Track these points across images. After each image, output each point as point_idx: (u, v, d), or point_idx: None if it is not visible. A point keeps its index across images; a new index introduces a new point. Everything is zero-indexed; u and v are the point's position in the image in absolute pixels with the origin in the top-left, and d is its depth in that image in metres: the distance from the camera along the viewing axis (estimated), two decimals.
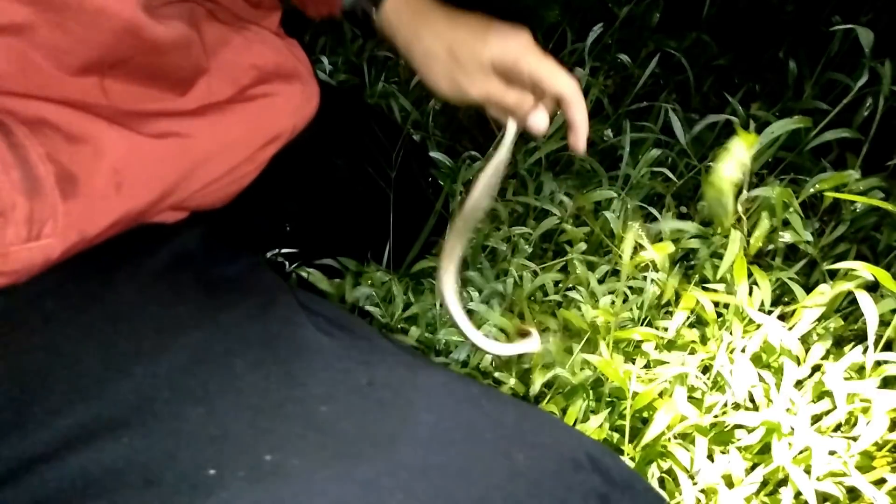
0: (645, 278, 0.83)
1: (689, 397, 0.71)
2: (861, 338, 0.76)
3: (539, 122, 0.53)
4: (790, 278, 0.85)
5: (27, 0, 0.29)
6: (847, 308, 0.83)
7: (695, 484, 0.64)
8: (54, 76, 0.32)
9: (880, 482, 0.68)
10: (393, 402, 0.31)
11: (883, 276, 0.69)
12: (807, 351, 0.73)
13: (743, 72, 1.11)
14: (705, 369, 0.75)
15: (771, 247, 0.91)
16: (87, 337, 0.30)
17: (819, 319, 0.75)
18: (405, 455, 0.28)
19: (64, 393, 0.28)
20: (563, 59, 1.14)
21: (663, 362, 0.73)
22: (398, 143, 0.87)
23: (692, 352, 0.73)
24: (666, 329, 0.75)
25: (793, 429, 0.64)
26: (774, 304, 0.84)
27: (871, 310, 0.66)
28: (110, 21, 0.32)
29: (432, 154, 1.07)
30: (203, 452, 0.28)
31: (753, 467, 0.68)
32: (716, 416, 0.68)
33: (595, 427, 0.68)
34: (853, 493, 0.69)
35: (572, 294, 0.88)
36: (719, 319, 0.77)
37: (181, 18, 0.37)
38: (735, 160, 0.60)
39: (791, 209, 0.83)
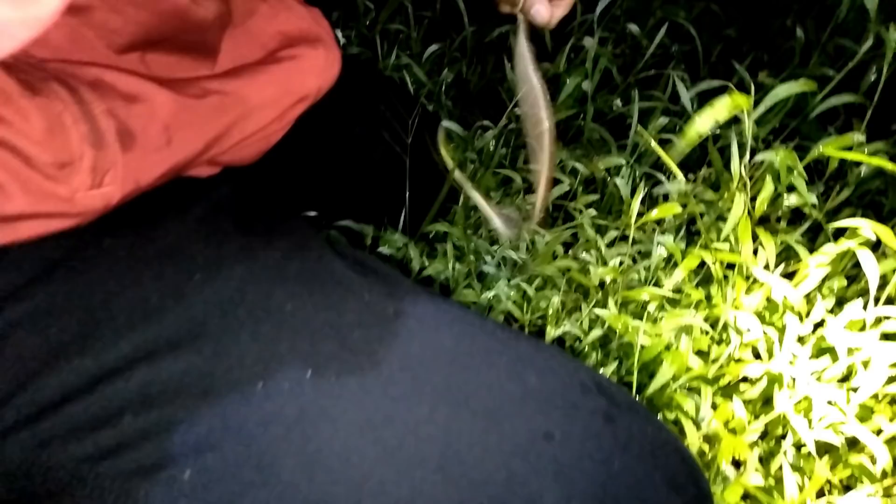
0: (652, 241, 0.85)
1: (697, 352, 0.74)
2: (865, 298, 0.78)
3: (538, 13, 0.56)
4: (795, 241, 0.87)
5: None
6: (852, 271, 0.85)
7: (699, 430, 0.67)
8: (101, 52, 0.35)
9: (878, 433, 0.71)
10: (417, 329, 0.34)
11: (886, 233, 0.71)
12: (810, 309, 0.76)
13: (751, 41, 1.13)
14: (712, 326, 0.78)
15: (778, 212, 0.93)
16: (142, 271, 0.33)
17: (824, 280, 0.78)
18: (429, 375, 0.32)
19: (125, 318, 0.32)
20: (574, 29, 1.15)
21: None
22: (413, 112, 0.90)
23: (698, 308, 0.76)
24: (674, 290, 0.78)
25: (794, 379, 0.67)
26: (780, 266, 0.87)
27: (871, 265, 0.69)
28: (161, 5, 0.35)
29: (445, 124, 1.09)
30: (251, 370, 0.31)
31: (758, 420, 0.71)
32: (721, 368, 0.71)
33: None
34: (853, 444, 0.72)
35: (584, 257, 0.91)
36: (725, 280, 0.79)
37: None
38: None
39: (795, 172, 0.85)
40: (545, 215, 0.43)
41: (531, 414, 0.31)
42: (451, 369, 0.32)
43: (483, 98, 1.18)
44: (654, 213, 0.74)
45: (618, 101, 1.14)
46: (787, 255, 0.92)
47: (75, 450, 0.30)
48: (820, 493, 0.74)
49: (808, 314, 0.73)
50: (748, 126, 0.77)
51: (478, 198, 0.47)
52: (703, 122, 0.70)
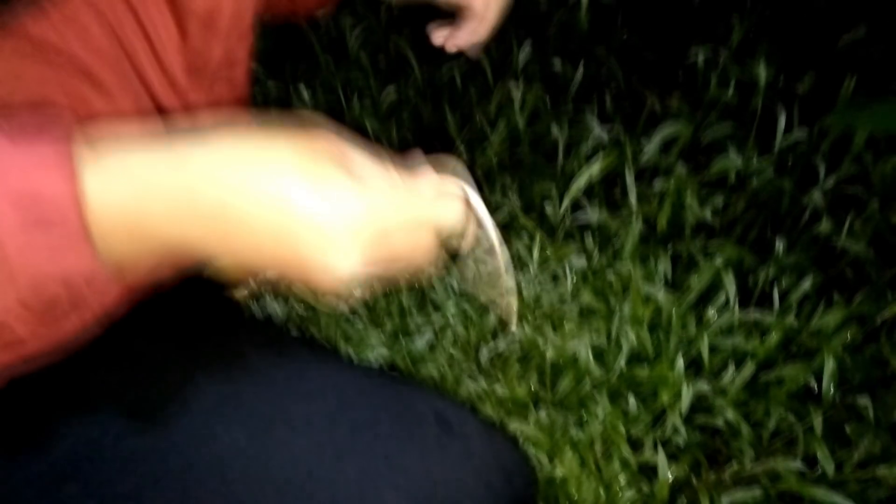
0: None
1: (600, 360, 0.89)
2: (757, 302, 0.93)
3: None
4: (696, 251, 1.02)
5: None
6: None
7: (600, 423, 0.83)
8: None
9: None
10: (301, 390, 0.49)
11: (743, 254, 0.86)
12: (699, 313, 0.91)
13: (664, 65, 1.26)
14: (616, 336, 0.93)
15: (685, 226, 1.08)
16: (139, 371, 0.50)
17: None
18: (306, 426, 0.47)
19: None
20: (509, 68, 1.30)
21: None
22: None
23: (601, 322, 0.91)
24: (584, 308, 0.94)
25: (671, 377, 0.82)
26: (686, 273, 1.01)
27: (729, 280, 0.84)
28: None
29: None
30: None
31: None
32: (619, 373, 0.86)
33: (524, 390, 0.87)
34: (733, 428, 0.87)
35: (519, 279, 1.07)
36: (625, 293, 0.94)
37: None
38: None
39: (689, 192, 1.00)
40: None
41: (380, 445, 0.46)
42: (324, 420, 0.47)
43: (434, 133, 1.33)
44: (549, 252, 0.89)
45: (554, 128, 1.29)
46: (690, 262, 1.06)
47: None
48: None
49: (691, 320, 0.88)
50: (629, 171, 0.92)
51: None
52: (580, 182, 0.85)
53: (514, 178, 1.24)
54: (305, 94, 1.36)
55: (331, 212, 0.33)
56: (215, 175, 0.31)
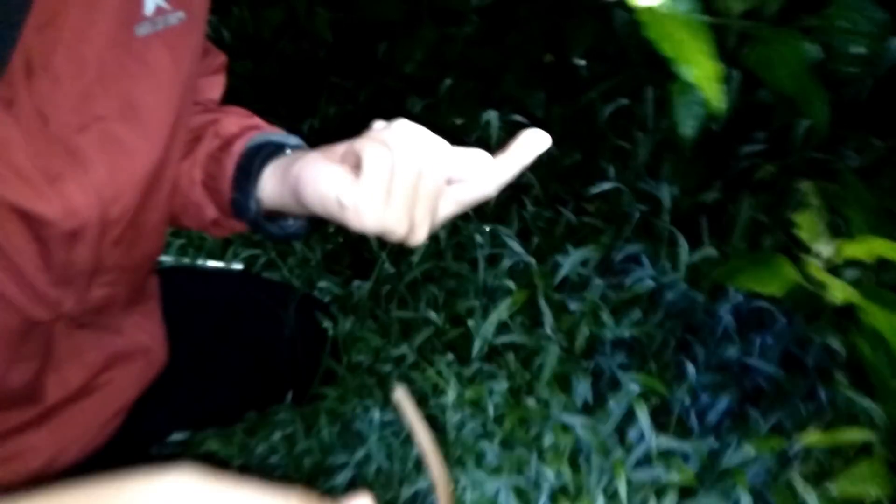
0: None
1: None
2: None
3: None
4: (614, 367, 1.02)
5: None
6: None
7: None
8: None
9: None
10: None
11: (653, 382, 0.87)
12: None
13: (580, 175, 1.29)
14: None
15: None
16: None
17: None
18: None
19: None
20: None
21: None
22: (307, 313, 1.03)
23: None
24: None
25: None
26: None
27: (643, 412, 0.84)
28: None
29: (321, 284, 1.24)
30: None
31: None
32: None
33: None
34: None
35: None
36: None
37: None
38: None
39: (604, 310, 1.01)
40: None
41: None
42: None
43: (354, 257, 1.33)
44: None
45: (479, 237, 1.29)
46: None
47: None
48: None
49: None
50: (542, 298, 0.93)
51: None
52: (492, 322, 0.85)
53: (441, 290, 1.24)
54: None
55: None
56: None
